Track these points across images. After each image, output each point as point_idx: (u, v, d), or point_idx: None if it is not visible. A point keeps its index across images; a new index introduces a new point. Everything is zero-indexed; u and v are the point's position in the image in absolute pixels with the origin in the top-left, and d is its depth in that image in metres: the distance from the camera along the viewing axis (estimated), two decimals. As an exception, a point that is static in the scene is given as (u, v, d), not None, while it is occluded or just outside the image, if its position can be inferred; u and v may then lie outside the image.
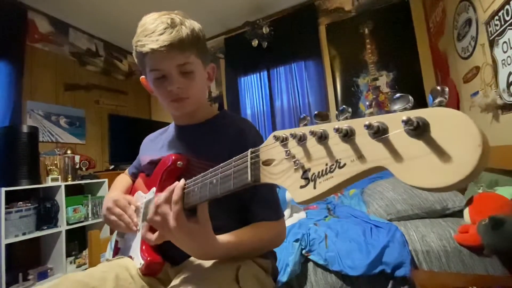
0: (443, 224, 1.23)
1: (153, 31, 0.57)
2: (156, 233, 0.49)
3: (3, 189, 1.66)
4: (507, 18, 1.19)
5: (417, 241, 1.17)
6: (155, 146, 0.76)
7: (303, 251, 1.20)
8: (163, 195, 0.47)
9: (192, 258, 0.61)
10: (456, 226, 1.18)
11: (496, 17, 1.26)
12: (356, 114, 2.44)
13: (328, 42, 2.63)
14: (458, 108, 1.80)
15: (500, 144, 1.34)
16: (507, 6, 1.18)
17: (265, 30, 2.66)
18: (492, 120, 1.42)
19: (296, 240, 1.22)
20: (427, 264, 1.12)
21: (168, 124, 0.81)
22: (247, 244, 0.54)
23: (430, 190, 0.18)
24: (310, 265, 1.20)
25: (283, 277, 1.13)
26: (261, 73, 2.93)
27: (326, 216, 1.51)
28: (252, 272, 0.57)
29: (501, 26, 1.23)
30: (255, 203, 0.59)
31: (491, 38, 1.32)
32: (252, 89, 2.99)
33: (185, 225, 0.44)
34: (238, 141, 0.63)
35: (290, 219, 1.55)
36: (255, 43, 2.73)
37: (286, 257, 1.17)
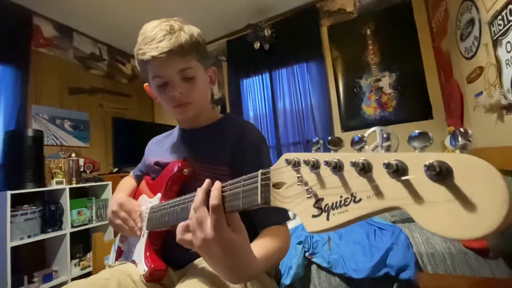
0: (448, 226, 1.21)
1: (152, 38, 0.58)
2: (188, 235, 0.41)
3: (9, 192, 1.68)
4: (511, 18, 1.18)
5: (421, 243, 1.16)
6: (160, 149, 0.77)
7: (306, 254, 1.20)
8: (199, 197, 0.40)
9: (196, 261, 0.61)
10: (461, 228, 1.17)
11: (499, 17, 1.25)
12: (359, 115, 2.44)
13: (330, 43, 2.63)
14: (462, 108, 1.79)
15: (505, 145, 1.32)
16: (510, 6, 1.18)
17: (267, 32, 2.67)
18: (497, 120, 1.41)
19: (299, 243, 1.22)
20: (432, 267, 1.11)
21: (171, 127, 0.82)
22: (275, 255, 0.49)
23: (452, 239, 0.18)
24: (314, 267, 1.20)
25: (286, 280, 1.13)
26: (263, 75, 2.93)
27: (330, 218, 1.51)
28: (256, 275, 0.57)
29: (504, 26, 1.22)
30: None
31: (494, 38, 1.32)
32: (254, 91, 2.99)
33: (226, 236, 0.37)
34: (240, 143, 0.63)
35: (293, 221, 1.55)
36: (257, 45, 2.73)
37: (289, 260, 1.16)
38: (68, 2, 2.30)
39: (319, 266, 1.19)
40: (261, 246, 0.47)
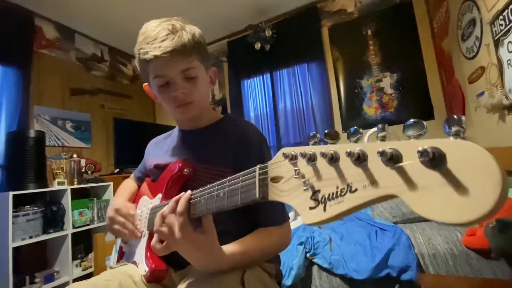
0: (450, 227, 1.21)
1: (155, 38, 0.57)
2: (164, 243, 0.49)
3: (11, 193, 1.69)
4: (512, 18, 1.18)
5: (423, 244, 1.16)
6: (160, 150, 0.77)
7: (308, 255, 1.20)
8: (169, 206, 0.47)
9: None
10: (463, 229, 1.16)
11: (501, 17, 1.25)
12: (360, 116, 2.43)
13: (331, 44, 2.63)
14: (463, 109, 1.78)
15: (506, 145, 1.32)
16: (511, 6, 1.17)
17: (268, 33, 2.67)
18: (499, 121, 1.41)
19: (301, 243, 1.22)
20: (434, 268, 1.11)
21: (172, 128, 0.81)
22: (252, 253, 0.54)
23: (445, 224, 0.18)
24: (315, 268, 1.20)
25: (287, 281, 1.12)
26: (264, 76, 2.93)
27: (331, 219, 1.50)
28: (257, 276, 0.57)
29: (506, 26, 1.22)
30: (260, 208, 0.59)
31: (496, 38, 1.31)
32: (255, 91, 3.00)
33: (191, 235, 0.44)
34: (242, 144, 0.63)
35: (294, 222, 1.55)
36: (258, 46, 2.73)
37: (291, 261, 1.16)
38: (70, 4, 2.31)
39: (320, 267, 1.19)
40: (239, 243, 0.53)
